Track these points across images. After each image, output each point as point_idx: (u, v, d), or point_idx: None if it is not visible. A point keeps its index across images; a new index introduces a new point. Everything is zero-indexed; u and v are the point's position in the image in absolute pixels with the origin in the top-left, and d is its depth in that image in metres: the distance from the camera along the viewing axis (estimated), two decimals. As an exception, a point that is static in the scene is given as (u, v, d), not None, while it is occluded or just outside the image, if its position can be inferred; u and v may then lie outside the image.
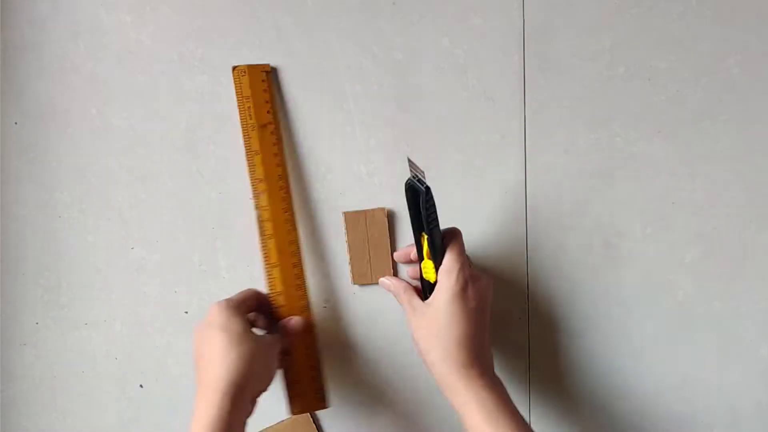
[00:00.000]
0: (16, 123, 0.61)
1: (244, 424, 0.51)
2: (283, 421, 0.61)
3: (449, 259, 0.53)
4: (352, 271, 0.61)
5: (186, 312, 0.62)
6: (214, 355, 0.51)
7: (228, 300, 0.55)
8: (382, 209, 0.60)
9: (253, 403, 0.53)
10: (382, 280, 0.59)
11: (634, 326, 0.61)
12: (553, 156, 0.60)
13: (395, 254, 0.60)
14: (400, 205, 0.61)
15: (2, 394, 0.63)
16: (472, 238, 0.61)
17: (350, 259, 0.61)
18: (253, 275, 0.61)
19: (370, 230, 0.60)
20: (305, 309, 0.60)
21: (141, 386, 0.63)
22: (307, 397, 0.60)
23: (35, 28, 0.61)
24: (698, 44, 0.59)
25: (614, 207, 0.60)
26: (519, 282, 0.61)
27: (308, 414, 0.62)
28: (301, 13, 0.60)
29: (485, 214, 0.61)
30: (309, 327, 0.60)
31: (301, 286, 0.60)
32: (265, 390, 0.54)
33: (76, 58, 0.61)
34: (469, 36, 0.60)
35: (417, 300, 0.55)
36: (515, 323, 0.62)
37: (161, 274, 0.62)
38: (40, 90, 0.61)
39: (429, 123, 0.60)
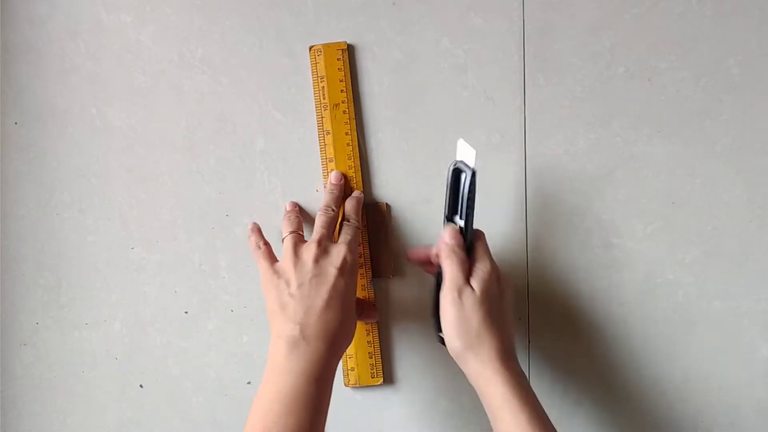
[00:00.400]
0: (16, 123, 0.61)
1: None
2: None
3: (480, 249, 0.54)
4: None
5: (186, 312, 0.62)
6: (337, 310, 0.52)
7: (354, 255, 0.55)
8: (382, 203, 0.60)
9: None
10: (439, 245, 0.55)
11: (634, 326, 0.61)
12: (553, 156, 0.60)
13: (408, 252, 0.59)
14: (400, 203, 0.61)
15: (2, 394, 0.63)
16: (472, 238, 0.61)
17: None
18: (253, 275, 0.61)
19: (369, 225, 0.60)
20: (366, 288, 0.61)
21: (141, 386, 0.63)
22: (361, 371, 0.61)
23: (35, 28, 0.61)
24: (698, 44, 0.59)
25: (614, 207, 0.60)
26: (519, 282, 0.61)
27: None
28: (301, 13, 0.60)
29: (485, 214, 0.61)
30: (370, 304, 0.61)
31: (363, 264, 0.60)
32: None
33: (76, 58, 0.61)
34: (469, 36, 0.60)
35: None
36: (515, 323, 0.62)
37: (161, 274, 0.62)
38: (40, 90, 0.61)
39: (429, 123, 0.60)
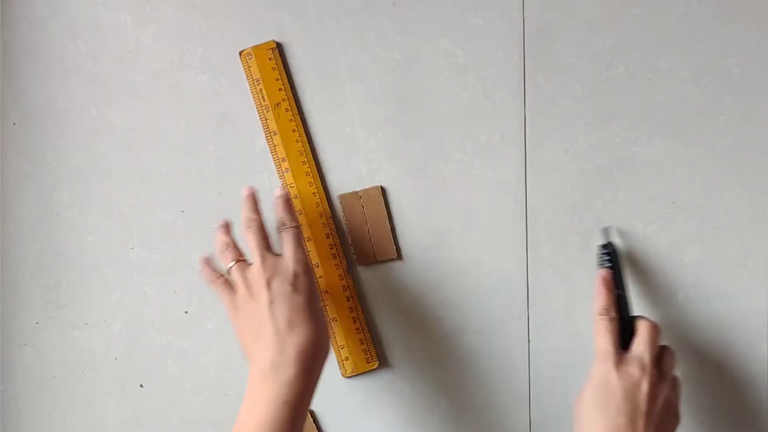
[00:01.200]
0: (14, 124, 0.61)
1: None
2: (283, 421, 0.61)
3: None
4: (356, 253, 0.61)
5: (186, 312, 0.62)
6: (292, 328, 0.50)
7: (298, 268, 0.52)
8: (377, 187, 0.60)
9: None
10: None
11: (634, 326, 0.61)
12: (553, 156, 0.60)
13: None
14: (400, 203, 0.61)
15: (2, 394, 0.63)
16: (472, 239, 0.61)
17: (351, 241, 0.61)
18: (253, 275, 0.61)
19: (367, 210, 0.60)
20: (343, 277, 0.60)
21: (141, 386, 0.63)
22: (356, 359, 0.61)
23: (35, 29, 0.61)
24: (698, 44, 0.59)
25: (614, 207, 0.60)
26: (519, 282, 0.61)
27: (308, 413, 0.62)
28: (301, 13, 0.60)
29: (485, 214, 0.61)
30: (351, 293, 0.61)
31: (336, 255, 0.60)
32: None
33: (76, 58, 0.61)
34: (469, 36, 0.60)
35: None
36: (515, 323, 0.62)
37: (161, 274, 0.62)
38: (39, 90, 0.61)
39: (429, 123, 0.60)
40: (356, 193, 0.60)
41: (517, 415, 0.62)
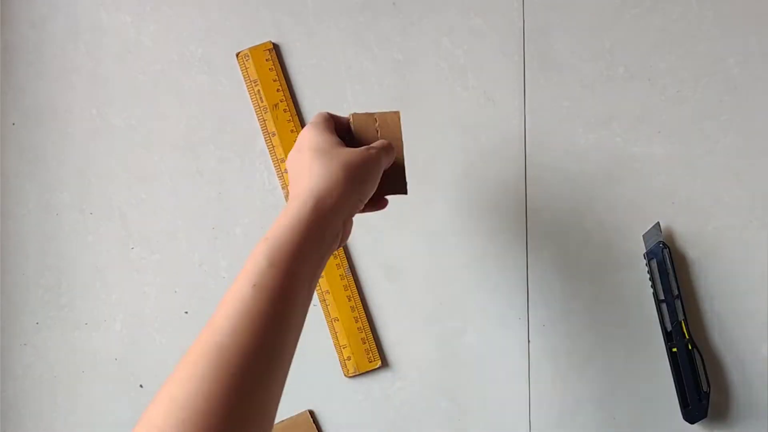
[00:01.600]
0: (14, 124, 0.61)
1: (328, 244, 0.44)
2: (283, 421, 0.61)
3: None
4: None
5: (186, 312, 0.62)
6: (302, 172, 0.45)
7: (316, 122, 0.48)
8: (396, 113, 0.51)
9: (345, 224, 0.46)
10: None
11: (635, 326, 0.61)
12: (553, 156, 0.60)
13: None
14: (400, 203, 0.61)
15: (2, 394, 0.63)
16: (472, 238, 0.61)
17: None
18: (253, 275, 0.61)
19: (381, 134, 0.51)
20: (344, 277, 0.61)
21: (141, 386, 0.63)
22: (358, 359, 0.61)
23: (35, 29, 0.61)
24: (698, 44, 0.59)
25: (614, 207, 0.60)
26: (519, 282, 0.61)
27: (308, 414, 0.62)
28: (301, 13, 0.60)
29: (485, 214, 0.61)
30: (353, 293, 0.60)
31: (337, 255, 0.60)
32: (358, 209, 0.47)
33: (76, 58, 0.61)
34: (469, 36, 0.60)
35: None
36: (515, 323, 0.62)
37: (161, 274, 0.62)
38: (40, 90, 0.61)
39: (429, 123, 0.60)
40: (372, 114, 0.51)
41: (517, 415, 0.62)
